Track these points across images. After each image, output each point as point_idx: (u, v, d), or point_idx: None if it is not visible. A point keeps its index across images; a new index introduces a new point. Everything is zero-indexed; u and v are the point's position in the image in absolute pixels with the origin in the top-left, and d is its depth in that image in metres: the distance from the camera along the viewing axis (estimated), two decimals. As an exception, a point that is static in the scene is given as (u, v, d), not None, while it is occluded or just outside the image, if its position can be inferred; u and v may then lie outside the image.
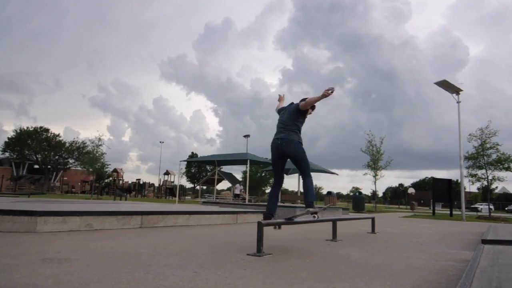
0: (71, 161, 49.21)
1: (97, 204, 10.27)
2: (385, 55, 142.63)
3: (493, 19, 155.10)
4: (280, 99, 4.82)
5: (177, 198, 26.05)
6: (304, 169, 4.03)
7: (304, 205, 4.15)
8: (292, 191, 46.46)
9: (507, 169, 17.11)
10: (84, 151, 38.10)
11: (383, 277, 2.70)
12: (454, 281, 2.59)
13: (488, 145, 17.40)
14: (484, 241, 4.58)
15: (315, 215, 3.85)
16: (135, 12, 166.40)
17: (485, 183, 18.20)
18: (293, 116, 4.07)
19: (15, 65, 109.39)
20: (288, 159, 4.20)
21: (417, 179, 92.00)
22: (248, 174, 26.88)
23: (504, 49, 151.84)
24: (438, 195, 19.16)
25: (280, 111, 4.44)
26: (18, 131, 46.73)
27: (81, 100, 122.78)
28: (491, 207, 23.73)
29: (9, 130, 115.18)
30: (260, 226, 3.47)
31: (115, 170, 40.54)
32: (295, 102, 4.27)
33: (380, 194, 67.75)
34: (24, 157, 47.20)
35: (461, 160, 15.73)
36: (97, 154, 26.51)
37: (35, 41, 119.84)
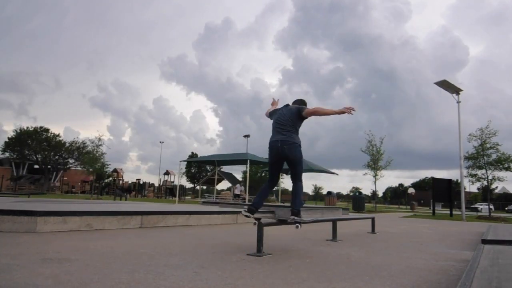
0: (71, 161, 49.18)
1: (97, 204, 10.26)
2: (385, 55, 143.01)
3: (493, 19, 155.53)
4: (273, 103, 4.65)
5: (177, 198, 26.02)
6: (298, 173, 3.95)
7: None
8: (292, 191, 46.22)
9: (507, 169, 17.09)
10: (84, 151, 38.05)
11: (383, 277, 2.70)
12: (454, 281, 2.59)
13: (488, 145, 17.39)
14: (484, 241, 4.58)
15: (298, 226, 3.73)
16: (135, 12, 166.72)
17: (485, 183, 18.18)
18: (293, 119, 3.99)
19: (15, 65, 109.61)
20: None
21: (417, 179, 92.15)
22: (248, 174, 26.86)
23: (504, 49, 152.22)
24: (438, 195, 19.15)
25: (271, 114, 4.29)
26: (18, 131, 46.72)
27: (81, 100, 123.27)
28: (491, 207, 23.71)
29: (9, 130, 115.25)
30: (260, 226, 3.48)
31: (115, 170, 40.52)
32: (290, 104, 4.20)
33: (380, 194, 67.85)
34: (24, 157, 47.17)
35: (461, 160, 15.73)
36: (97, 154, 26.49)
37: (35, 41, 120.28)
